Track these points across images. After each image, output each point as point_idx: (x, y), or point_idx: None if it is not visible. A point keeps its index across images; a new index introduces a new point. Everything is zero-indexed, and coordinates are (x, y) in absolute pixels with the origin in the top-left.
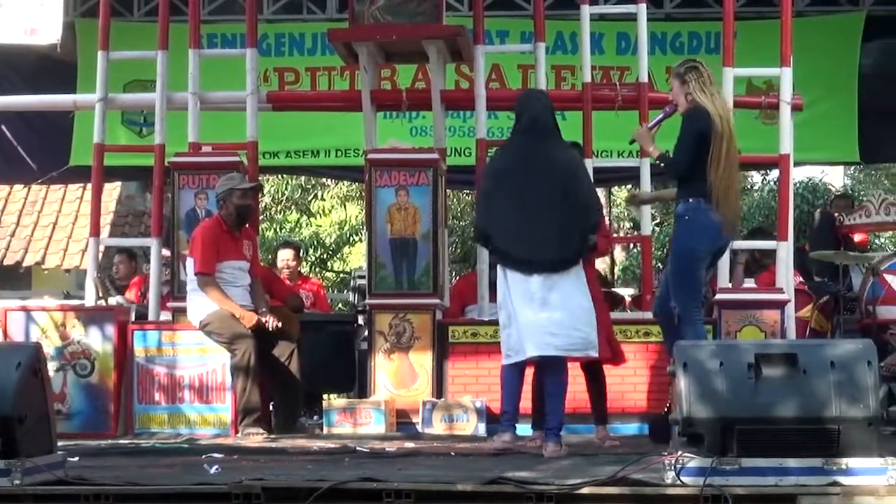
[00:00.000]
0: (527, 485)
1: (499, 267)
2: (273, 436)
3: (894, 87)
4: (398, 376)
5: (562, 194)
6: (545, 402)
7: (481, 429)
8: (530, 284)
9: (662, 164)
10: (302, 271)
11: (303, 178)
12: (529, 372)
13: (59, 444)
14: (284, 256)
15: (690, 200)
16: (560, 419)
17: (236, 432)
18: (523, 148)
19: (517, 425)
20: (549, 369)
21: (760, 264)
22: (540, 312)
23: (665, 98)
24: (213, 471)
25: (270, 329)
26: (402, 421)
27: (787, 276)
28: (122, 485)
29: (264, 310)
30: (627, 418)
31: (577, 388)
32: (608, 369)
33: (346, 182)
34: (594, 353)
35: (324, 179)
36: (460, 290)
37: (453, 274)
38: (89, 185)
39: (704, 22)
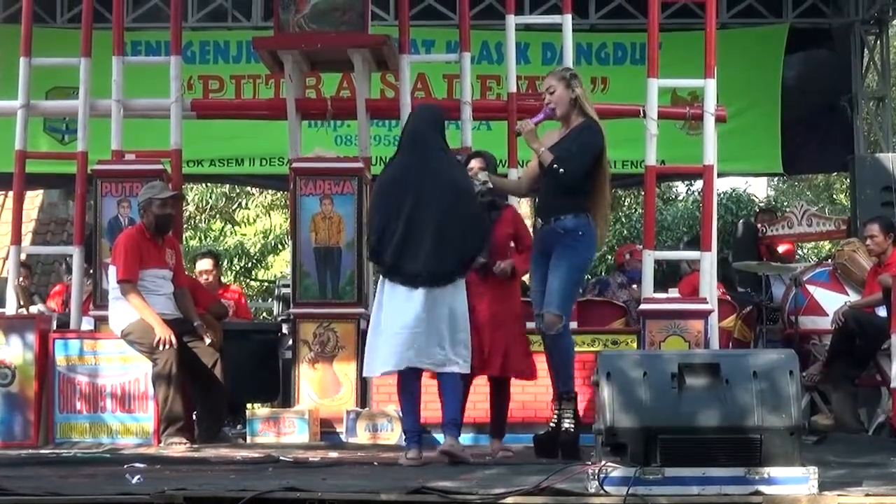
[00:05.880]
0: (451, 495)
1: (380, 278)
2: (196, 445)
3: (817, 99)
4: (322, 385)
5: (444, 210)
6: (441, 398)
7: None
8: (401, 298)
9: (561, 171)
10: (223, 280)
11: (227, 186)
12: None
13: None
14: (203, 267)
15: (581, 215)
16: (453, 414)
17: (159, 442)
18: (405, 162)
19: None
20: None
21: None
22: (404, 327)
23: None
24: (135, 480)
25: (207, 344)
26: (325, 430)
27: (710, 286)
28: (43, 495)
29: (199, 323)
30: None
31: (476, 399)
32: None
33: (270, 191)
34: (450, 369)
35: (248, 188)
36: None
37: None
38: (10, 193)
39: (629, 33)
